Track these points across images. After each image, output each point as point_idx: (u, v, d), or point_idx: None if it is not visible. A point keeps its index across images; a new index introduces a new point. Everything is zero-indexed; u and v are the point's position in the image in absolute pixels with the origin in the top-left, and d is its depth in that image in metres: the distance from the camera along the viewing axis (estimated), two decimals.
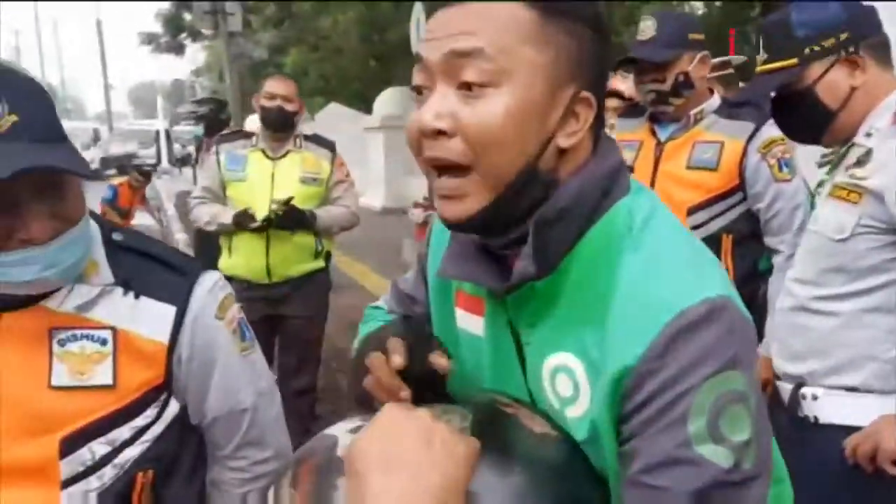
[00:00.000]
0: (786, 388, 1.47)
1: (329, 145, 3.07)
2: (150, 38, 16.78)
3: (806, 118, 1.43)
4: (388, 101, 11.53)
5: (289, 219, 2.82)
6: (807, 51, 1.37)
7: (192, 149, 9.76)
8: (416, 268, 0.97)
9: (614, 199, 0.71)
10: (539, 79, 0.67)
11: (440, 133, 0.67)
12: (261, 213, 2.82)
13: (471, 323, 0.81)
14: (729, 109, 1.94)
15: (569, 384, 0.69)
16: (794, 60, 1.39)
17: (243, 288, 2.74)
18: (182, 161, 13.32)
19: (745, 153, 1.86)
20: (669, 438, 0.61)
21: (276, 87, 2.91)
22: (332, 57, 16.69)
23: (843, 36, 1.36)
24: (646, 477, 0.62)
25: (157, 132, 13.34)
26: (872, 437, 1.30)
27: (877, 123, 1.34)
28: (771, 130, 1.81)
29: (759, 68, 1.48)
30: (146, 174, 4.69)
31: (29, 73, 0.90)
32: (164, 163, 12.15)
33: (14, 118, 0.83)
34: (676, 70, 1.90)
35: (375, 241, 6.67)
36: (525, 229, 0.69)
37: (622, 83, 2.98)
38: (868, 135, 1.35)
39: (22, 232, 0.87)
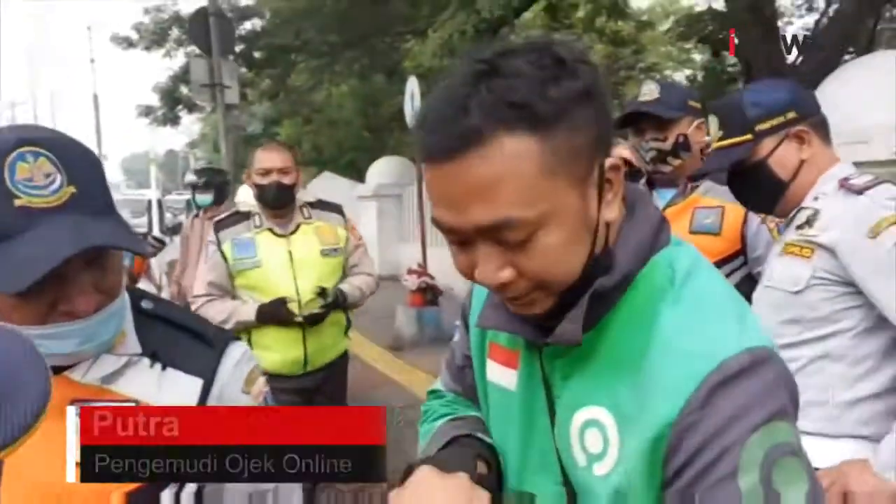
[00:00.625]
0: None
1: (337, 209, 2.84)
2: (147, 111, 17.06)
3: (761, 189, 1.54)
4: (381, 169, 11.73)
5: (330, 312, 2.61)
6: (758, 128, 1.50)
7: (182, 217, 9.81)
8: (460, 325, 0.95)
9: (656, 250, 0.70)
10: (570, 191, 0.64)
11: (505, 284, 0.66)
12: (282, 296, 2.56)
13: (503, 376, 0.79)
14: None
15: (598, 439, 0.67)
16: (749, 136, 1.51)
17: (271, 380, 2.49)
18: (173, 230, 13.44)
19: (746, 218, 1.87)
20: (719, 498, 0.57)
21: (270, 160, 2.57)
22: (325, 129, 17.03)
23: (790, 115, 1.50)
24: None
25: (150, 201, 13.44)
26: (840, 480, 1.30)
27: (823, 189, 1.47)
28: None
29: (715, 144, 1.60)
30: (160, 241, 4.69)
31: (84, 144, 0.87)
32: (156, 231, 12.23)
33: (72, 190, 0.81)
34: (678, 130, 1.95)
35: (369, 309, 6.59)
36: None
37: (631, 152, 3.02)
38: (815, 198, 1.47)
39: (65, 304, 0.83)
